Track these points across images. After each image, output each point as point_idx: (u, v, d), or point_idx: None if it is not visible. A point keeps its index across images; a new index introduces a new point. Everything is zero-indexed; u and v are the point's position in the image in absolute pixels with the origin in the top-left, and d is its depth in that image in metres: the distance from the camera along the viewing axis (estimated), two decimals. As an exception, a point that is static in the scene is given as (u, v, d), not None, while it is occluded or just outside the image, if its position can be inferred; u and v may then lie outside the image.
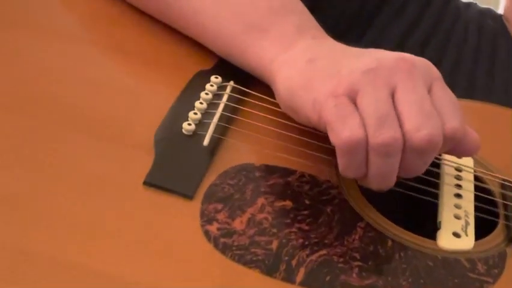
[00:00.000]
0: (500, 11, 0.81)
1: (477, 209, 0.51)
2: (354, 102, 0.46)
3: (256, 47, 0.53)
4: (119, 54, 0.57)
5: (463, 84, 0.71)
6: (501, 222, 0.51)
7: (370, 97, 0.46)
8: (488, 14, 0.78)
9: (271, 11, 0.54)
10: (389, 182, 0.47)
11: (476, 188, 0.53)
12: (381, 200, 0.51)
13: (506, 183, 0.53)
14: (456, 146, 0.47)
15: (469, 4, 0.79)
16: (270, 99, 0.54)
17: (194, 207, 0.45)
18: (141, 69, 0.56)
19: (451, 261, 0.46)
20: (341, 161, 0.46)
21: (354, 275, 0.43)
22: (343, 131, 0.45)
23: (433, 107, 0.46)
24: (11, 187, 0.43)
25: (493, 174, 0.54)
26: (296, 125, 0.52)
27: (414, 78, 0.46)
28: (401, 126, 0.45)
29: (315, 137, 0.51)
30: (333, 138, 0.46)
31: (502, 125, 0.63)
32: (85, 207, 0.43)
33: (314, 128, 0.50)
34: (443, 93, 0.47)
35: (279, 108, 0.53)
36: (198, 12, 0.55)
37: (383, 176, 0.46)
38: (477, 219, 0.51)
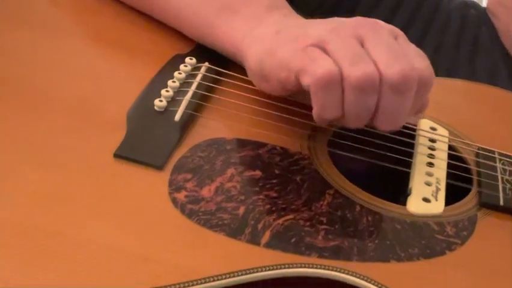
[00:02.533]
0: (484, 4, 0.82)
1: (451, 176, 0.52)
2: (322, 50, 0.47)
3: (228, 28, 0.54)
4: (98, 42, 0.59)
5: (444, 68, 0.71)
6: (474, 188, 0.51)
7: (339, 43, 0.46)
8: (472, 6, 0.79)
9: None
10: (364, 121, 0.47)
11: (451, 157, 0.54)
12: (355, 173, 0.51)
13: (480, 151, 0.54)
14: (424, 92, 0.47)
15: None
16: (244, 77, 0.55)
17: (163, 177, 0.46)
18: (119, 56, 0.58)
19: (420, 224, 0.47)
20: (316, 102, 0.47)
21: (319, 237, 0.44)
22: (317, 68, 0.46)
23: (401, 49, 0.47)
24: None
25: (468, 142, 0.55)
26: (268, 100, 0.53)
27: (379, 30, 0.48)
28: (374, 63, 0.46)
29: (287, 111, 0.52)
30: (307, 78, 0.46)
31: (483, 101, 0.63)
32: (57, 178, 0.44)
33: (281, 100, 0.51)
34: (408, 43, 0.48)
35: (253, 86, 0.54)
36: None
37: (359, 115, 0.47)
38: (453, 188, 0.52)
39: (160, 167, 0.46)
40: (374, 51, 0.46)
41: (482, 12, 0.77)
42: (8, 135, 0.47)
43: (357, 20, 0.48)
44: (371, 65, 0.45)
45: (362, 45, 0.47)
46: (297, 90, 0.50)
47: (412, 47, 0.48)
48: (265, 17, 0.53)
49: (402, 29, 0.69)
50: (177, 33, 0.60)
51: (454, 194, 0.51)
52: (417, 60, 0.47)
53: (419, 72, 0.47)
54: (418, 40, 0.70)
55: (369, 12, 0.71)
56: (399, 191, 0.52)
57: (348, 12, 0.70)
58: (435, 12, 0.74)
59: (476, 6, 0.79)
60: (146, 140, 0.48)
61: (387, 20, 0.70)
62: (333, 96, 0.46)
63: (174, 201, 0.44)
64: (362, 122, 0.48)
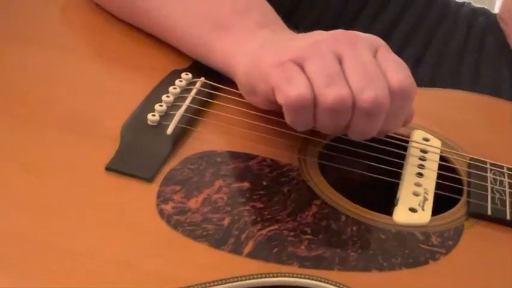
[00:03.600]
0: (496, 10, 0.82)
1: (441, 187, 0.52)
2: (301, 67, 0.48)
3: (221, 44, 0.56)
4: (100, 59, 0.61)
5: (447, 77, 0.71)
6: (463, 199, 0.51)
7: (317, 60, 0.47)
8: (481, 12, 0.79)
9: (234, 10, 0.57)
10: (337, 134, 0.49)
11: (442, 168, 0.54)
12: (346, 184, 0.52)
13: (472, 162, 0.54)
14: (406, 103, 0.48)
15: (462, 4, 0.80)
16: (237, 91, 0.56)
17: (153, 189, 0.47)
18: (119, 72, 0.60)
19: (405, 234, 0.47)
20: (288, 118, 0.48)
21: (302, 247, 0.45)
22: (290, 90, 0.47)
23: (378, 68, 0.47)
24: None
25: (460, 153, 0.55)
26: (260, 114, 0.54)
27: (358, 46, 0.48)
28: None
29: (278, 124, 0.53)
30: (280, 98, 0.48)
31: (480, 111, 0.63)
32: (48, 189, 0.46)
33: (272, 113, 0.52)
34: (388, 55, 0.49)
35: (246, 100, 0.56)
36: (167, 16, 0.59)
37: (331, 129, 0.48)
38: (444, 199, 0.52)
39: (149, 180, 0.47)
40: (349, 72, 0.47)
41: (491, 20, 0.77)
42: (2, 145, 0.49)
43: (338, 34, 0.49)
44: (344, 87, 0.47)
45: (340, 62, 0.48)
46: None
47: (391, 60, 0.49)
48: (256, 33, 0.55)
49: (406, 36, 0.70)
50: (177, 50, 0.61)
51: (444, 205, 0.52)
52: (394, 74, 0.48)
53: (395, 85, 0.47)
54: (422, 48, 0.71)
55: (372, 20, 0.72)
56: (389, 202, 0.53)
57: (347, 24, 0.72)
58: (442, 19, 0.74)
59: (486, 13, 0.79)
60: (138, 153, 0.49)
61: (392, 25, 0.72)
62: (304, 116, 0.48)
63: (161, 212, 0.45)
64: (334, 134, 0.49)
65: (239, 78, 0.53)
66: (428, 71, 0.69)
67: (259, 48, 0.52)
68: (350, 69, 0.47)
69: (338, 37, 0.49)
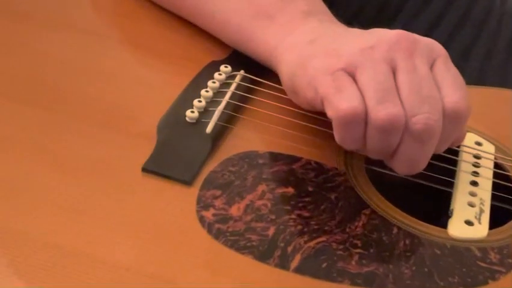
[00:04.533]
0: None
1: (496, 198, 0.49)
2: (352, 77, 0.44)
3: (263, 34, 0.52)
4: (133, 47, 0.57)
5: (495, 76, 0.68)
6: (521, 211, 0.48)
7: (370, 71, 0.44)
8: None
9: None
10: (385, 156, 0.45)
11: (497, 176, 0.51)
12: (394, 191, 0.49)
13: (528, 170, 0.51)
14: (458, 125, 0.45)
15: None
16: (280, 86, 0.53)
17: (192, 193, 0.44)
18: (153, 62, 0.56)
19: (461, 249, 0.44)
20: (337, 134, 0.45)
21: (353, 262, 0.42)
22: (340, 102, 0.43)
23: (434, 85, 0.44)
24: (12, 171, 0.44)
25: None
26: (304, 112, 0.51)
27: (415, 55, 0.44)
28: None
29: (323, 124, 0.50)
30: (330, 111, 0.44)
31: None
32: (83, 192, 0.43)
33: (317, 113, 0.48)
34: (446, 69, 0.45)
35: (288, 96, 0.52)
36: (206, 1, 0.55)
37: (380, 150, 0.45)
38: (497, 209, 0.49)
39: (188, 183, 0.45)
40: (402, 87, 0.43)
41: None
42: (35, 142, 0.46)
43: (395, 38, 0.45)
44: (397, 105, 0.43)
45: (394, 72, 0.44)
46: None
47: (449, 75, 0.45)
48: (301, 23, 0.51)
49: (449, 35, 0.66)
50: (214, 39, 0.58)
51: (498, 216, 0.49)
52: (449, 93, 0.44)
53: (449, 106, 0.44)
54: (468, 46, 0.67)
55: (413, 18, 0.68)
56: (440, 211, 0.50)
57: (390, 19, 0.68)
58: (487, 16, 0.71)
59: None
60: (176, 153, 0.46)
61: (434, 25, 0.68)
62: (354, 132, 0.44)
63: (201, 219, 0.42)
64: (383, 157, 0.45)
65: (282, 74, 0.50)
66: (476, 67, 0.66)
67: (307, 44, 0.48)
68: (404, 83, 0.43)
69: (395, 43, 0.44)
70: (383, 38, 0.45)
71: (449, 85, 0.44)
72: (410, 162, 0.44)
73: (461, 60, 0.65)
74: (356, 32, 0.48)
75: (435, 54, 0.45)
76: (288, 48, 0.50)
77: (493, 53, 0.68)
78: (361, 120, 0.43)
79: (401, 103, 0.43)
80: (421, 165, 0.45)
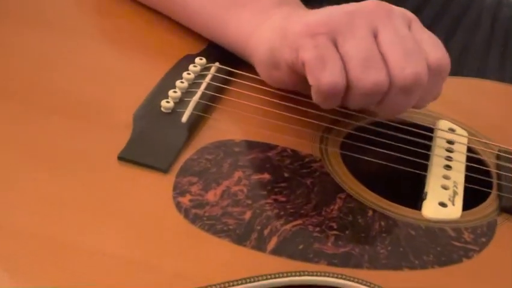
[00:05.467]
0: None
1: (469, 180, 0.50)
2: (334, 43, 0.45)
3: (235, 23, 0.53)
4: (108, 41, 0.58)
5: (473, 70, 0.69)
6: (493, 192, 0.49)
7: (352, 38, 0.45)
8: (506, 4, 0.76)
9: None
10: (365, 108, 0.47)
11: (470, 159, 0.51)
12: (369, 176, 0.50)
13: (501, 153, 0.52)
14: (440, 80, 0.46)
15: None
16: (255, 76, 0.53)
17: (168, 180, 0.44)
18: (128, 55, 0.56)
19: (435, 230, 0.45)
20: (316, 100, 0.46)
21: (329, 244, 0.42)
22: (323, 75, 0.44)
23: (416, 42, 0.45)
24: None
25: (488, 142, 0.52)
26: (281, 102, 0.52)
27: (394, 18, 0.46)
28: (386, 66, 0.45)
29: (298, 112, 0.51)
30: (312, 80, 0.45)
31: (507, 102, 0.61)
32: (58, 182, 0.43)
33: (292, 100, 0.49)
34: (422, 30, 0.47)
35: (264, 86, 0.53)
36: None
37: (361, 107, 0.46)
38: (472, 192, 0.49)
39: (165, 170, 0.45)
40: (386, 48, 0.45)
41: None
42: (10, 136, 0.46)
43: (372, 5, 0.46)
44: (382, 71, 0.44)
45: (375, 36, 0.45)
46: (306, 80, 0.48)
47: (426, 35, 0.47)
48: (274, 12, 0.52)
49: (428, 25, 0.67)
50: (189, 33, 0.58)
51: (472, 198, 0.49)
52: (431, 50, 0.46)
53: (433, 62, 0.45)
54: (445, 38, 0.68)
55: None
56: (415, 195, 0.50)
57: None
58: (466, 10, 0.72)
59: (511, 4, 0.77)
60: (152, 142, 0.47)
61: (415, 13, 0.69)
62: (334, 100, 0.45)
63: (178, 205, 0.43)
64: (362, 109, 0.47)
65: (259, 56, 0.50)
66: (453, 63, 0.67)
67: (282, 20, 0.49)
68: (388, 44, 0.45)
69: (372, 8, 0.46)
70: (360, 6, 0.46)
71: (430, 43, 0.46)
72: (395, 110, 0.47)
73: None
74: (329, 6, 0.48)
75: (408, 18, 0.47)
76: (264, 31, 0.50)
77: (470, 48, 0.69)
78: (341, 91, 0.45)
79: (385, 66, 0.44)
80: (404, 111, 0.47)
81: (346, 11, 0.46)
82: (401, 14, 0.47)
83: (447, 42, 0.72)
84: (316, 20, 0.46)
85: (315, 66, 0.44)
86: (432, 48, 0.46)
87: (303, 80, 0.47)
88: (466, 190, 0.49)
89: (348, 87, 0.45)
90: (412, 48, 0.45)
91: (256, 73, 0.53)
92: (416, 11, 0.71)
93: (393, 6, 0.47)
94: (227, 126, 0.50)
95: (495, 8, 0.74)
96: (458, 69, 0.70)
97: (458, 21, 0.72)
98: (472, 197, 0.49)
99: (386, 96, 0.45)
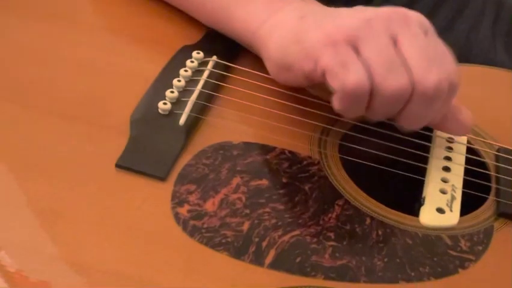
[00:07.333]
0: None
1: (468, 183, 0.50)
2: (355, 50, 0.44)
3: (243, 13, 0.52)
4: (103, 32, 0.56)
5: (479, 55, 0.68)
6: (491, 196, 0.49)
7: (373, 44, 0.44)
8: None
9: None
10: (387, 119, 0.46)
11: (469, 161, 0.51)
12: (368, 178, 0.49)
13: (500, 154, 0.51)
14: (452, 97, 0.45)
15: None
16: (255, 72, 0.52)
17: (167, 189, 0.44)
18: (124, 47, 0.55)
19: (432, 238, 0.45)
20: (340, 105, 0.45)
21: (326, 256, 0.42)
22: (348, 77, 0.43)
23: (436, 47, 0.45)
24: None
25: (489, 142, 0.52)
26: (279, 100, 0.51)
27: (412, 25, 0.45)
28: (407, 71, 0.44)
29: (297, 113, 0.50)
30: (335, 83, 0.44)
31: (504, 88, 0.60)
32: (55, 191, 0.43)
33: (292, 99, 0.48)
34: (437, 41, 0.46)
35: (263, 83, 0.52)
36: None
37: (384, 116, 0.46)
38: (469, 195, 0.49)
39: (163, 178, 0.45)
40: (408, 54, 0.44)
41: None
42: (1, 138, 0.46)
43: (389, 11, 0.45)
44: (404, 75, 0.43)
45: (395, 43, 0.44)
46: (319, 84, 0.47)
47: (441, 46, 0.46)
48: (283, 3, 0.50)
49: (431, 11, 0.65)
50: (187, 21, 0.57)
51: (471, 199, 0.49)
52: (447, 62, 0.45)
53: (452, 73, 0.45)
54: (445, 28, 0.67)
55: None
56: (413, 195, 0.50)
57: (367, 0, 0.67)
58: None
59: None
60: (150, 147, 0.46)
61: (413, 3, 0.67)
62: (359, 104, 0.45)
63: (176, 216, 0.43)
64: (384, 119, 0.46)
65: (269, 53, 0.49)
66: (457, 51, 0.66)
67: (297, 20, 0.47)
68: (409, 50, 0.44)
69: (390, 15, 0.45)
70: (376, 12, 0.45)
71: (445, 55, 0.45)
72: (416, 121, 0.46)
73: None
74: (344, 9, 0.47)
75: (425, 26, 0.46)
76: (275, 26, 0.49)
77: (476, 37, 0.68)
78: (367, 93, 0.44)
79: (406, 71, 0.44)
80: (425, 122, 0.46)
81: (364, 18, 0.45)
82: (418, 20, 0.46)
83: (449, 31, 0.71)
84: (335, 27, 0.45)
85: (338, 71, 0.43)
86: (447, 61, 0.45)
87: (316, 85, 0.47)
88: (464, 192, 0.49)
89: (371, 94, 0.44)
90: (434, 56, 0.44)
91: (256, 68, 0.53)
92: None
93: (410, 11, 0.46)
94: (225, 128, 0.49)
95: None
96: (462, 58, 0.69)
97: (461, 10, 0.70)
98: (471, 198, 0.49)
99: (407, 105, 0.44)
